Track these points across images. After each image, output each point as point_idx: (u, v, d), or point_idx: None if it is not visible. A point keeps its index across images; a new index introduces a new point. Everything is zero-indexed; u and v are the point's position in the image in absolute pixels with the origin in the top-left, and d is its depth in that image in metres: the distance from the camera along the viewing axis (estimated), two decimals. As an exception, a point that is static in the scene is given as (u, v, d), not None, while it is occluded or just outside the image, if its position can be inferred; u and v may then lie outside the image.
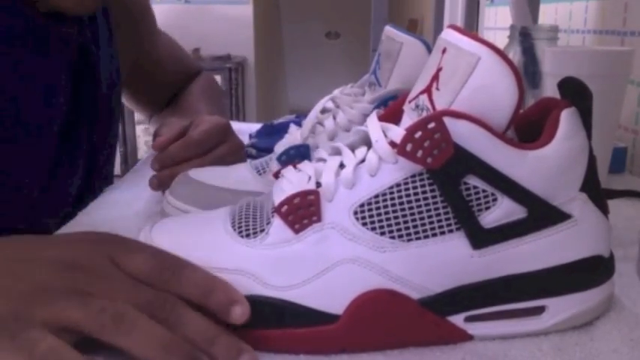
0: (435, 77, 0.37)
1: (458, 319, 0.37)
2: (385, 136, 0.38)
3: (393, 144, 0.37)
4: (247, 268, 0.37)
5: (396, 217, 0.36)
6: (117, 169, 3.42)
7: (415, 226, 0.36)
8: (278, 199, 0.38)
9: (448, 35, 0.37)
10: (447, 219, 0.36)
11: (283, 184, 0.39)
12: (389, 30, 0.55)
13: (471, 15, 2.53)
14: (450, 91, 0.35)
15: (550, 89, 0.62)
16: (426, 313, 0.36)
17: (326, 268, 0.36)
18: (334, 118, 0.56)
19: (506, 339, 0.38)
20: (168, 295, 0.34)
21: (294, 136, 0.58)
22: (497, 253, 0.37)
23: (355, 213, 0.37)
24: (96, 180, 0.70)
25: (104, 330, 0.31)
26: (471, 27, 2.48)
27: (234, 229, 0.38)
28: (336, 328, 0.36)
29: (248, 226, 0.38)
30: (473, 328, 0.37)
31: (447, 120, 0.35)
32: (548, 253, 0.37)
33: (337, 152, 0.40)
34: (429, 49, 0.53)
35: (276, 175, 0.42)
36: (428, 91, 0.37)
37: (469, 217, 0.36)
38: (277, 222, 0.37)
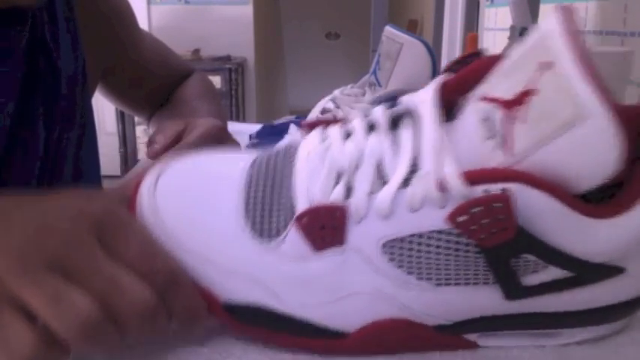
0: (528, 101, 0.29)
1: (472, 336, 0.36)
2: (440, 164, 0.31)
3: (442, 185, 0.30)
4: (259, 275, 0.34)
5: (428, 262, 0.32)
6: (117, 169, 3.40)
7: (448, 274, 0.32)
8: (300, 198, 0.33)
9: (562, 59, 0.27)
10: (486, 274, 0.32)
11: (311, 165, 0.34)
12: (389, 30, 0.55)
13: (471, 15, 2.53)
14: (540, 136, 0.28)
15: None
16: (441, 335, 0.35)
17: (343, 296, 0.33)
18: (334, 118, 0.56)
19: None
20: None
21: (294, 137, 0.58)
22: (532, 300, 0.33)
23: (384, 246, 0.32)
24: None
25: (68, 334, 0.30)
26: (470, 28, 2.48)
27: (248, 219, 0.34)
28: (346, 343, 0.35)
29: (263, 218, 0.34)
30: (485, 342, 0.36)
31: (518, 187, 0.29)
32: (589, 299, 0.34)
33: (375, 155, 0.33)
34: (429, 50, 0.53)
35: (308, 126, 0.37)
36: (510, 108, 0.29)
37: (511, 279, 0.32)
38: (296, 232, 0.33)
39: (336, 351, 0.35)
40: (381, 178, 0.32)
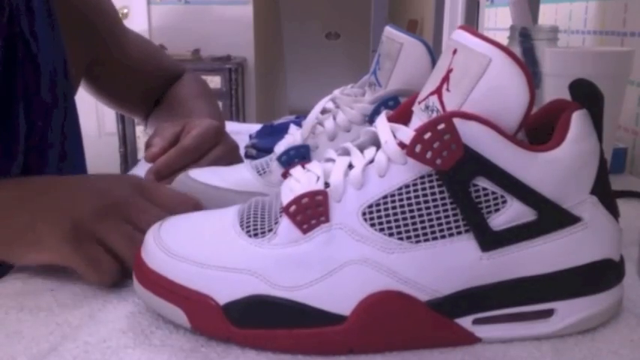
0: (446, 78, 0.36)
1: (466, 322, 0.37)
2: (394, 136, 0.37)
3: (402, 145, 0.36)
4: (255, 268, 0.36)
5: (404, 219, 0.36)
6: (117, 169, 3.39)
7: (424, 228, 0.36)
8: (286, 199, 0.38)
9: (459, 36, 0.37)
10: (456, 221, 0.36)
11: (292, 184, 0.39)
12: (389, 30, 0.55)
13: (471, 15, 2.53)
14: (461, 93, 0.35)
15: (550, 90, 0.62)
16: (434, 315, 0.36)
17: (333, 269, 0.36)
18: (334, 118, 0.56)
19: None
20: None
21: (294, 137, 0.58)
22: (507, 256, 0.36)
23: (364, 214, 0.36)
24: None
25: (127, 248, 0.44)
26: (470, 27, 2.48)
27: (243, 229, 0.38)
28: (343, 329, 0.36)
29: (256, 225, 0.38)
30: (481, 331, 0.37)
31: (456, 121, 0.34)
32: (557, 256, 0.37)
33: (346, 153, 0.40)
34: (429, 50, 0.53)
35: (285, 175, 0.42)
36: (438, 92, 0.36)
37: (478, 218, 0.35)
38: (285, 222, 0.37)
39: (334, 339, 0.36)
40: (351, 167, 0.38)
